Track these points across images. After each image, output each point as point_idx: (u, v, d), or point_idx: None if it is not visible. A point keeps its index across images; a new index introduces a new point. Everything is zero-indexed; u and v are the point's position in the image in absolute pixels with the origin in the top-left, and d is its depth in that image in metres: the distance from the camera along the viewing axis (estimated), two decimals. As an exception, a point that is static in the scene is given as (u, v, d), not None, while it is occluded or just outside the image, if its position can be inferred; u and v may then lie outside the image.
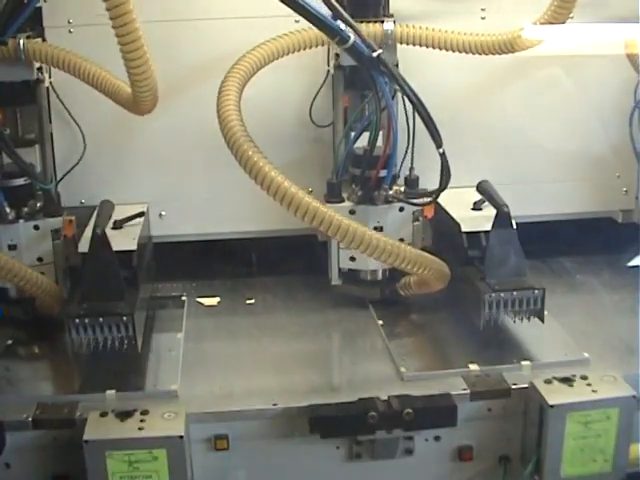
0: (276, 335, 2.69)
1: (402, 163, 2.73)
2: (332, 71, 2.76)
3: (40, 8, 2.70)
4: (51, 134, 2.83)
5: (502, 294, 2.43)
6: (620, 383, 2.27)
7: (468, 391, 2.28)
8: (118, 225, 2.66)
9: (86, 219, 2.68)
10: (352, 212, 2.67)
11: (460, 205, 2.75)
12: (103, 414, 2.14)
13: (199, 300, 2.92)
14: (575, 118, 3.04)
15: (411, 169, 2.74)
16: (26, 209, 2.62)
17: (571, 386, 2.25)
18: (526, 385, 2.30)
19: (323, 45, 2.64)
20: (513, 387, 2.30)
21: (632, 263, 3.01)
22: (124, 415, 2.13)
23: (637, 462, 2.33)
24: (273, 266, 3.14)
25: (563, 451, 2.23)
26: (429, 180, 2.65)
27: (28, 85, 2.63)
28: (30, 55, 2.50)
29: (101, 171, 2.89)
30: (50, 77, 2.73)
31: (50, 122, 2.81)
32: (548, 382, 2.26)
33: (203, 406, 2.24)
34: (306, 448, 2.25)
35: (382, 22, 2.57)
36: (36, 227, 2.61)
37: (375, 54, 2.31)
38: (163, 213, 2.96)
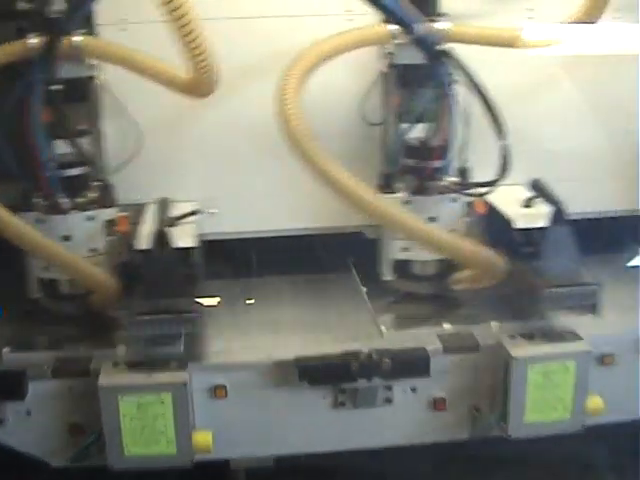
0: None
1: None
2: (385, 69, 2.77)
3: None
4: (103, 130, 2.78)
5: (560, 289, 2.52)
6: (577, 339, 2.54)
7: (441, 346, 2.55)
8: (172, 223, 2.63)
9: (135, 217, 2.72)
10: (407, 202, 2.72)
11: (508, 202, 2.75)
12: (115, 364, 2.40)
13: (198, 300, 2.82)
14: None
15: (465, 161, 2.75)
16: (81, 199, 2.62)
17: (532, 340, 2.52)
18: (494, 342, 2.56)
19: (382, 43, 2.67)
20: (481, 343, 2.56)
21: (632, 263, 3.08)
22: (134, 364, 2.39)
23: (597, 413, 2.57)
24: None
25: (526, 400, 2.49)
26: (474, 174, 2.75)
27: (82, 82, 2.62)
28: (85, 52, 2.50)
29: (149, 170, 2.83)
30: (103, 74, 2.69)
31: (102, 119, 2.76)
32: (512, 337, 2.53)
33: (204, 359, 2.50)
34: (296, 396, 2.51)
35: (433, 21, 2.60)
36: (90, 218, 2.62)
37: (442, 46, 2.46)
38: (212, 211, 2.89)
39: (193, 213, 2.72)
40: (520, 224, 2.64)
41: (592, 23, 2.68)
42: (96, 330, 2.65)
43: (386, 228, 2.52)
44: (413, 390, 2.56)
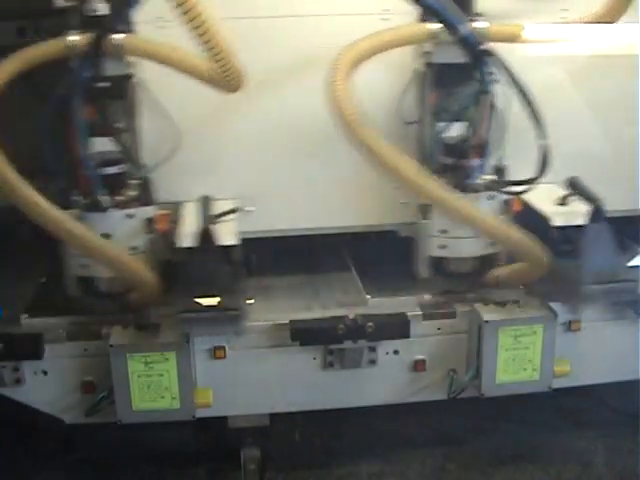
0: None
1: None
2: (421, 69, 2.82)
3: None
4: (140, 129, 2.81)
5: (601, 287, 2.61)
6: (545, 306, 2.78)
7: (421, 312, 2.79)
8: (213, 221, 2.67)
9: (173, 215, 2.76)
10: None
11: (543, 201, 2.80)
12: (125, 326, 2.64)
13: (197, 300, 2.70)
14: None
15: (501, 159, 2.77)
16: (120, 197, 2.64)
17: (504, 307, 2.76)
18: (469, 308, 2.80)
19: (422, 42, 2.71)
20: (459, 310, 2.81)
21: (632, 263, 3.04)
22: (142, 327, 2.64)
23: (564, 374, 2.81)
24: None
25: (497, 360, 2.73)
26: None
27: (121, 80, 2.65)
28: (127, 50, 2.54)
29: (187, 168, 2.86)
30: (141, 72, 2.72)
31: (139, 117, 2.79)
32: (486, 304, 2.77)
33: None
34: (289, 357, 2.75)
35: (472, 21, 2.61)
36: (130, 216, 2.64)
37: (484, 46, 2.48)
38: (251, 209, 2.93)
39: (233, 211, 2.75)
40: (558, 222, 2.71)
41: (612, 23, 2.77)
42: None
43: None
44: (395, 352, 2.81)
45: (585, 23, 2.82)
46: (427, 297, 2.90)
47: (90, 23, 2.52)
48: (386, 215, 3.03)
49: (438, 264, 2.91)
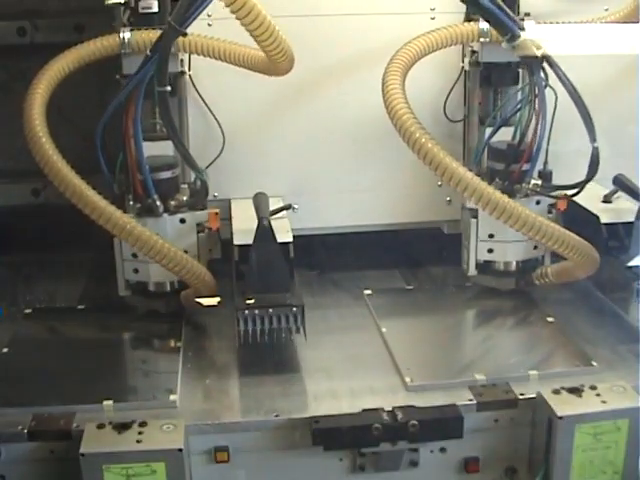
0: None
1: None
2: (467, 67, 2.83)
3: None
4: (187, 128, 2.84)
5: None
6: (630, 393, 2.23)
7: (474, 402, 2.23)
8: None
9: (222, 213, 2.69)
10: None
11: (587, 199, 2.74)
12: (100, 426, 2.08)
13: (198, 300, 2.75)
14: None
15: (545, 163, 2.72)
16: (173, 202, 2.62)
17: (580, 396, 2.20)
18: (534, 395, 2.25)
19: (472, 42, 2.73)
20: (520, 397, 2.25)
21: (632, 263, 2.98)
22: (122, 427, 2.07)
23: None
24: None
25: (572, 463, 2.18)
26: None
27: (174, 78, 2.63)
28: (179, 46, 2.54)
29: (233, 166, 2.89)
30: (189, 70, 2.73)
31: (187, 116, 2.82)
32: (556, 392, 2.21)
33: (203, 417, 2.19)
34: (308, 460, 2.20)
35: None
36: (182, 220, 2.61)
37: (540, 52, 2.43)
38: (295, 207, 2.85)
39: (285, 208, 2.70)
40: (607, 219, 2.65)
41: (634, 22, 2.74)
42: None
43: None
44: (442, 450, 2.25)
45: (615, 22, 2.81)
46: (479, 377, 2.34)
47: (145, 20, 2.51)
48: (430, 213, 3.05)
49: (485, 263, 2.85)
